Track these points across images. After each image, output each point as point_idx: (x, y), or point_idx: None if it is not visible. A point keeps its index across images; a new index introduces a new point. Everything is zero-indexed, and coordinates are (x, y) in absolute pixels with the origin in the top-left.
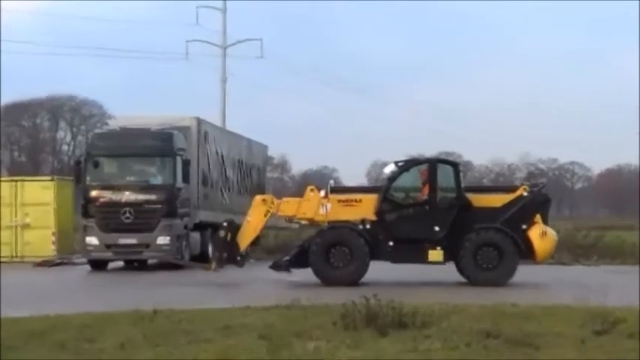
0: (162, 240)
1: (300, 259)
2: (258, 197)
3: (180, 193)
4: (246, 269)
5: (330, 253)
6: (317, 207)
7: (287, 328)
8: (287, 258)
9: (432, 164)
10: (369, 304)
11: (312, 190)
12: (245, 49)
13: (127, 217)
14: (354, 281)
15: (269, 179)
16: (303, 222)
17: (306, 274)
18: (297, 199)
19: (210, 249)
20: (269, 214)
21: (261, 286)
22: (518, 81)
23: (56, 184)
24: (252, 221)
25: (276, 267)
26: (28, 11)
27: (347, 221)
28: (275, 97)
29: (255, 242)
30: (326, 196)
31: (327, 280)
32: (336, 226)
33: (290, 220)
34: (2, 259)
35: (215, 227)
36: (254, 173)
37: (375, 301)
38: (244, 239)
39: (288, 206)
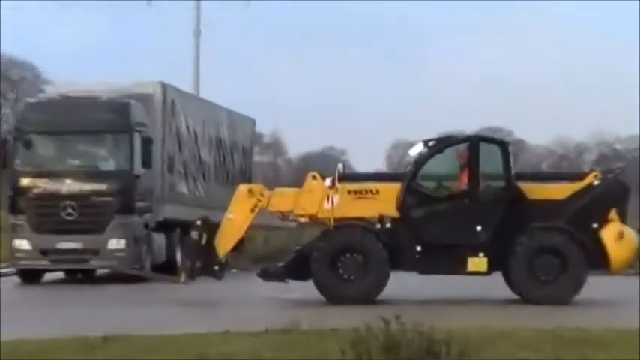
0: (116, 244)
1: (298, 269)
2: (243, 187)
3: (139, 181)
4: (226, 282)
5: (339, 261)
6: (321, 200)
7: None
8: (282, 264)
9: (474, 144)
10: (388, 328)
11: (314, 177)
12: None
13: (69, 214)
14: (369, 298)
15: (257, 164)
16: (303, 220)
17: (306, 289)
18: (295, 189)
19: (178, 255)
20: (257, 210)
21: (246, 304)
22: (586, 36)
23: None
24: (234, 219)
25: (266, 275)
26: None
27: (360, 219)
28: (265, 56)
29: (238, 247)
30: (332, 186)
31: (335, 296)
32: (345, 225)
33: (285, 217)
34: None
35: (185, 227)
36: (237, 156)
37: (397, 325)
38: (224, 243)
39: (283, 199)
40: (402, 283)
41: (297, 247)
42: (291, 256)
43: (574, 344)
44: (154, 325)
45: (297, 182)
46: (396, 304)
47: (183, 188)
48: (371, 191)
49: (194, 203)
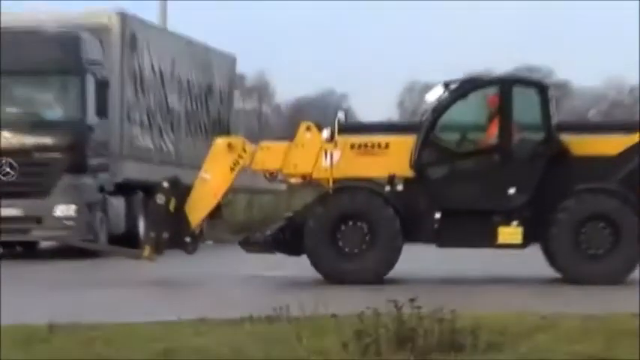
0: (64, 210)
1: (289, 240)
2: (221, 141)
3: (92, 134)
4: (200, 257)
5: (339, 231)
6: (317, 156)
7: (267, 355)
8: (269, 233)
9: (506, 87)
10: (401, 314)
11: (308, 128)
12: None
13: (7, 174)
14: (377, 277)
15: (239, 112)
16: (294, 181)
17: (299, 266)
18: (285, 143)
19: (141, 225)
20: (238, 168)
21: (225, 284)
22: None
23: None
24: (210, 180)
25: (249, 245)
26: None
27: (366, 179)
28: None
29: (215, 214)
30: (331, 139)
31: (334, 274)
32: (347, 187)
33: (273, 177)
34: None
35: (150, 189)
36: (213, 102)
37: (412, 310)
38: (198, 209)
39: (270, 155)
40: (417, 259)
41: (288, 215)
42: (281, 225)
43: (629, 335)
44: (111, 312)
45: (288, 134)
46: (410, 285)
47: (146, 142)
48: (379, 145)
49: (160, 160)
